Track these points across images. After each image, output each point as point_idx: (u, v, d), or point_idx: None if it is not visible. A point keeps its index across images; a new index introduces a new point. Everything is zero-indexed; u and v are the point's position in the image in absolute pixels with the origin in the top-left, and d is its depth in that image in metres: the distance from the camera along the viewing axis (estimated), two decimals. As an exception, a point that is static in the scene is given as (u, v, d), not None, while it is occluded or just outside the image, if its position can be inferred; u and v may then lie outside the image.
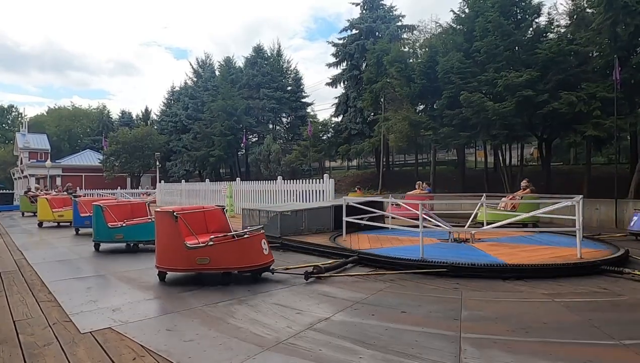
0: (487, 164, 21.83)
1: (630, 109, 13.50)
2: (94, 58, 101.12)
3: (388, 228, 8.36)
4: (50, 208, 12.27)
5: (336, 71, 30.66)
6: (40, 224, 12.45)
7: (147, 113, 46.80)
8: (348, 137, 27.98)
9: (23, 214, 17.10)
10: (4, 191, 26.80)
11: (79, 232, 10.27)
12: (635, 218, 8.40)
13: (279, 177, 15.22)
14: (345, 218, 7.75)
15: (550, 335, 3.19)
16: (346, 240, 7.47)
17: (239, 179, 17.73)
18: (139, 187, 32.70)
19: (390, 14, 28.63)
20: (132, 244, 7.58)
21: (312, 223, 8.64)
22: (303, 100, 36.85)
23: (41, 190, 18.14)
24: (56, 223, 12.48)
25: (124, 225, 7.57)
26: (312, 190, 12.98)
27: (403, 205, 9.43)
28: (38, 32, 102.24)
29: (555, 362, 2.73)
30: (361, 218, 8.20)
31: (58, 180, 35.54)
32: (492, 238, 7.53)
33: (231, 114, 31.49)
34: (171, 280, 5.12)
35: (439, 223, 7.15)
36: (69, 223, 11.59)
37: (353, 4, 29.77)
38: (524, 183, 10.59)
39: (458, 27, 18.34)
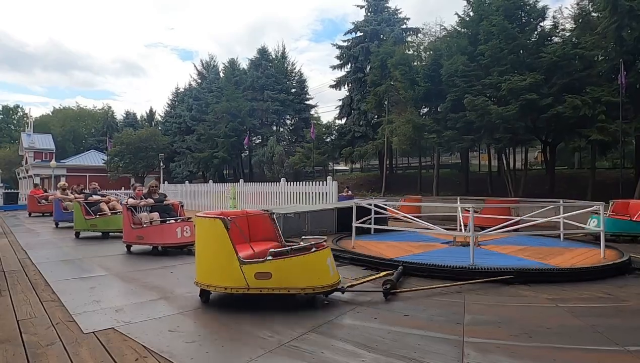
0: (491, 168, 21.78)
1: (636, 113, 13.46)
2: (99, 59, 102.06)
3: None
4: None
5: (340, 73, 30.81)
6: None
7: (151, 114, 47.07)
8: (351, 140, 28.01)
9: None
10: (9, 191, 26.93)
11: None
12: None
13: (282, 179, 15.25)
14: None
15: (554, 340, 3.16)
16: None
17: (242, 180, 17.80)
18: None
19: (395, 16, 28.70)
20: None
21: (315, 225, 8.63)
22: (307, 102, 36.92)
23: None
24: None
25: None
26: (315, 193, 13.01)
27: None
28: (43, 32, 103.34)
29: (559, 368, 2.71)
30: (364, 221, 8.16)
31: (62, 180, 35.68)
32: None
33: (235, 116, 31.58)
34: (172, 281, 5.12)
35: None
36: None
37: (358, 6, 29.89)
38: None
39: (462, 30, 18.35)
